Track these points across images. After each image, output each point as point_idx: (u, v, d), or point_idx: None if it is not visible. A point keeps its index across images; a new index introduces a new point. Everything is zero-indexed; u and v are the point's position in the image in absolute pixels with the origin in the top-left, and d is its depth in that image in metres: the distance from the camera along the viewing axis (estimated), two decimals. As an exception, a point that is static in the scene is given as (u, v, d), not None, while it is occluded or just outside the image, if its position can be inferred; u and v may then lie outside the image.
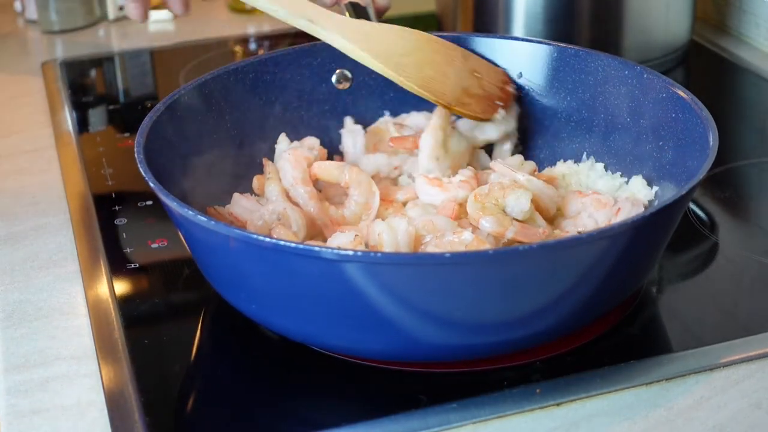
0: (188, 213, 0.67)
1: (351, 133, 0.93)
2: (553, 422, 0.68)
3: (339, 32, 0.85)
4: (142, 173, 0.72)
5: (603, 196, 0.81)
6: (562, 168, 0.89)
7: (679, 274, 0.83)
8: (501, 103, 0.90)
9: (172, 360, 0.75)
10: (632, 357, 0.72)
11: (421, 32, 0.90)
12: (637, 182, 0.84)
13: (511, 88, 0.92)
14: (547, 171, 0.90)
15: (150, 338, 0.77)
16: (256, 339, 0.76)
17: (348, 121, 0.94)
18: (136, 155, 0.73)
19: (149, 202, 0.94)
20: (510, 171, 0.83)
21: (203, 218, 0.66)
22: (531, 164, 0.88)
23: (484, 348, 0.70)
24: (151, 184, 0.70)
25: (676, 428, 0.67)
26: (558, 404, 0.69)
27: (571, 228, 0.81)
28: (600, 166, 0.89)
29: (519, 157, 0.91)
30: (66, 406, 0.71)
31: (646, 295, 0.79)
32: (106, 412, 0.70)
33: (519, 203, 0.77)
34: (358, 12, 1.00)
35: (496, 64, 0.93)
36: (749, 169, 1.01)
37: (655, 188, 0.82)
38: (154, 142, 0.77)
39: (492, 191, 0.78)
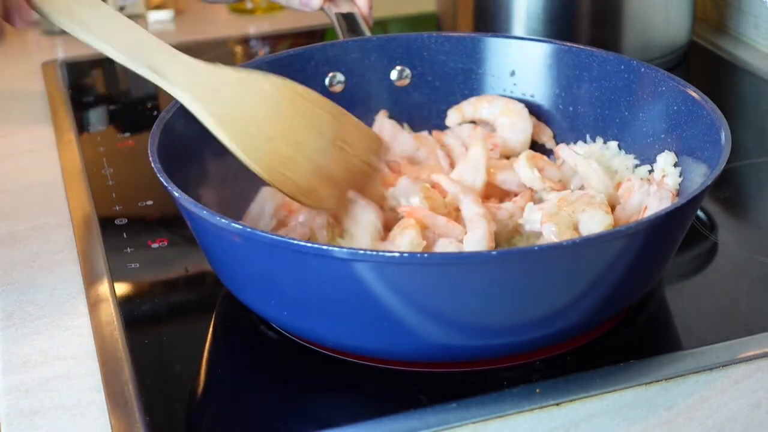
0: (220, 221, 0.67)
1: None
2: (553, 422, 0.68)
3: (185, 86, 0.74)
4: (161, 180, 0.71)
5: (630, 183, 0.82)
6: (577, 150, 0.89)
7: (679, 274, 0.83)
8: (352, 194, 0.78)
9: (172, 360, 0.75)
10: (632, 357, 0.72)
11: (288, 84, 0.77)
12: (667, 160, 0.83)
13: (378, 161, 0.80)
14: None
15: (150, 338, 0.77)
16: (256, 339, 0.76)
17: None
18: (153, 164, 0.72)
19: (149, 202, 0.94)
20: (574, 155, 0.84)
21: (227, 221, 0.67)
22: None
23: (499, 348, 0.71)
24: (176, 194, 0.69)
25: (676, 428, 0.67)
26: (558, 404, 0.69)
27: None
28: (614, 144, 0.89)
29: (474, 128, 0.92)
30: (66, 406, 0.71)
31: (646, 295, 0.79)
32: (106, 412, 0.70)
33: (589, 225, 0.77)
34: (348, 21, 1.00)
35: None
36: (749, 169, 1.01)
37: (681, 172, 0.82)
38: (164, 148, 0.77)
39: (576, 202, 0.78)
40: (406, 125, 0.96)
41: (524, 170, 0.84)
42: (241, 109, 0.74)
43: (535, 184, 0.84)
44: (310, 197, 0.76)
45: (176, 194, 0.70)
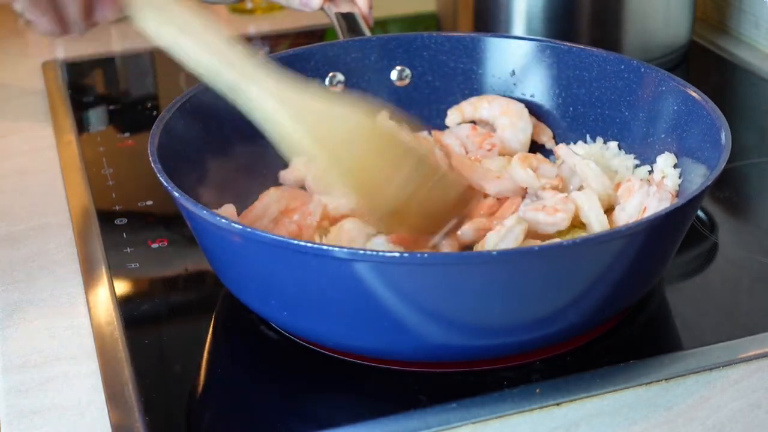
0: (221, 221, 0.67)
1: None
2: (553, 422, 0.68)
3: (275, 93, 0.70)
4: (161, 180, 0.71)
5: (630, 184, 0.82)
6: (577, 151, 0.89)
7: (679, 274, 0.83)
8: (440, 231, 0.74)
9: (172, 360, 0.75)
10: (632, 357, 0.72)
11: (374, 122, 0.75)
12: (666, 162, 0.83)
13: (470, 201, 0.78)
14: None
15: (150, 338, 0.77)
16: (256, 339, 0.76)
17: None
18: (153, 164, 0.72)
19: (149, 202, 0.94)
20: (572, 155, 0.85)
21: (227, 221, 0.67)
22: None
23: (499, 348, 0.71)
24: (176, 194, 0.70)
25: (676, 428, 0.67)
26: (558, 404, 0.69)
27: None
28: (614, 144, 0.89)
29: None
30: (66, 406, 0.71)
31: (647, 295, 0.79)
32: (106, 412, 0.70)
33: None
34: (348, 21, 1.00)
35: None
36: (749, 169, 1.01)
37: (680, 173, 0.82)
38: (163, 148, 0.77)
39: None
40: (405, 125, 0.96)
41: (518, 171, 0.84)
42: (330, 131, 0.71)
43: (532, 183, 0.84)
44: (392, 223, 0.73)
45: (176, 194, 0.70)
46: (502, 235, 0.75)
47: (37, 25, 0.72)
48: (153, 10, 0.71)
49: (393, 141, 0.74)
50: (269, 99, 0.70)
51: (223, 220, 0.67)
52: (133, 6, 0.71)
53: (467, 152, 0.92)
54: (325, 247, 0.64)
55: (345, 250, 0.64)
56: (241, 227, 0.66)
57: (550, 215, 0.80)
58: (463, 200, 0.77)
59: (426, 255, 0.64)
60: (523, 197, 0.85)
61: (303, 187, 0.90)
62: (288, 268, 0.67)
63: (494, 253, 0.66)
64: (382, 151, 0.73)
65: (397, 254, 0.63)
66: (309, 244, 0.64)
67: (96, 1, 0.72)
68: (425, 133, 0.95)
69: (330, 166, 0.70)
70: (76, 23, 0.72)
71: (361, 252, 0.65)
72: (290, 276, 0.67)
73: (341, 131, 0.71)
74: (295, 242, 0.65)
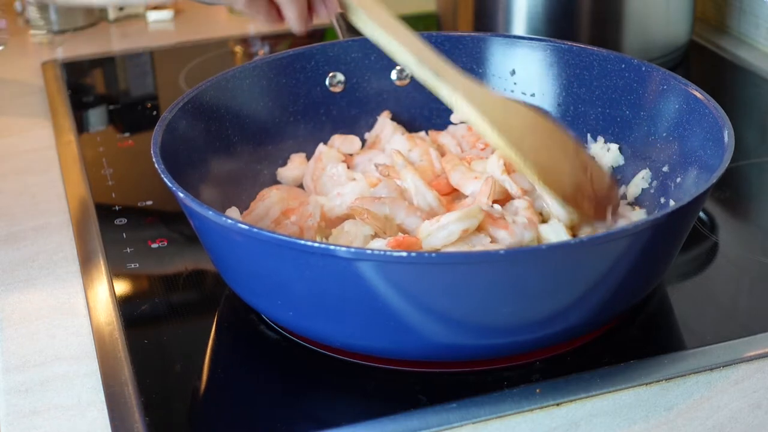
0: (228, 222, 0.67)
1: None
2: (553, 422, 0.68)
3: (464, 95, 0.79)
4: (166, 181, 0.71)
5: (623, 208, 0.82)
6: None
7: (679, 274, 0.83)
8: (611, 207, 0.81)
9: (172, 360, 0.75)
10: (632, 357, 0.72)
11: (537, 111, 0.84)
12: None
13: (615, 193, 0.84)
14: None
15: (150, 338, 0.77)
16: (256, 339, 0.76)
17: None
18: (156, 165, 0.72)
19: (149, 202, 0.94)
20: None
21: (233, 221, 0.67)
22: None
23: (503, 347, 0.71)
24: (181, 195, 0.69)
25: (676, 428, 0.67)
26: (558, 404, 0.69)
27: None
28: (615, 147, 0.89)
29: None
30: (66, 406, 0.71)
31: (647, 295, 0.79)
32: (106, 412, 0.70)
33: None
34: (348, 21, 1.00)
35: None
36: (749, 169, 1.01)
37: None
38: (166, 148, 0.77)
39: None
40: (401, 126, 0.96)
41: (496, 174, 0.83)
42: (510, 123, 0.79)
43: (508, 188, 0.83)
44: (574, 202, 0.80)
45: (182, 195, 0.69)
46: (434, 229, 0.75)
47: (253, 19, 0.84)
48: (363, 12, 0.81)
49: (559, 132, 0.82)
50: (460, 98, 0.79)
51: (230, 221, 0.67)
52: (348, 8, 0.82)
53: (462, 151, 0.92)
54: (333, 248, 0.64)
55: (353, 250, 0.64)
56: (247, 228, 0.66)
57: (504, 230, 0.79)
58: (612, 186, 0.83)
59: (433, 255, 0.64)
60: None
61: (300, 186, 0.90)
62: (296, 269, 0.67)
63: (501, 252, 0.66)
64: (553, 140, 0.82)
65: (404, 254, 0.63)
66: (318, 245, 0.64)
67: (315, 4, 0.81)
68: (422, 133, 0.95)
69: (514, 154, 0.77)
70: (294, 23, 0.82)
71: (369, 252, 0.65)
72: (298, 276, 0.67)
73: (521, 123, 0.80)
74: (304, 242, 0.65)
